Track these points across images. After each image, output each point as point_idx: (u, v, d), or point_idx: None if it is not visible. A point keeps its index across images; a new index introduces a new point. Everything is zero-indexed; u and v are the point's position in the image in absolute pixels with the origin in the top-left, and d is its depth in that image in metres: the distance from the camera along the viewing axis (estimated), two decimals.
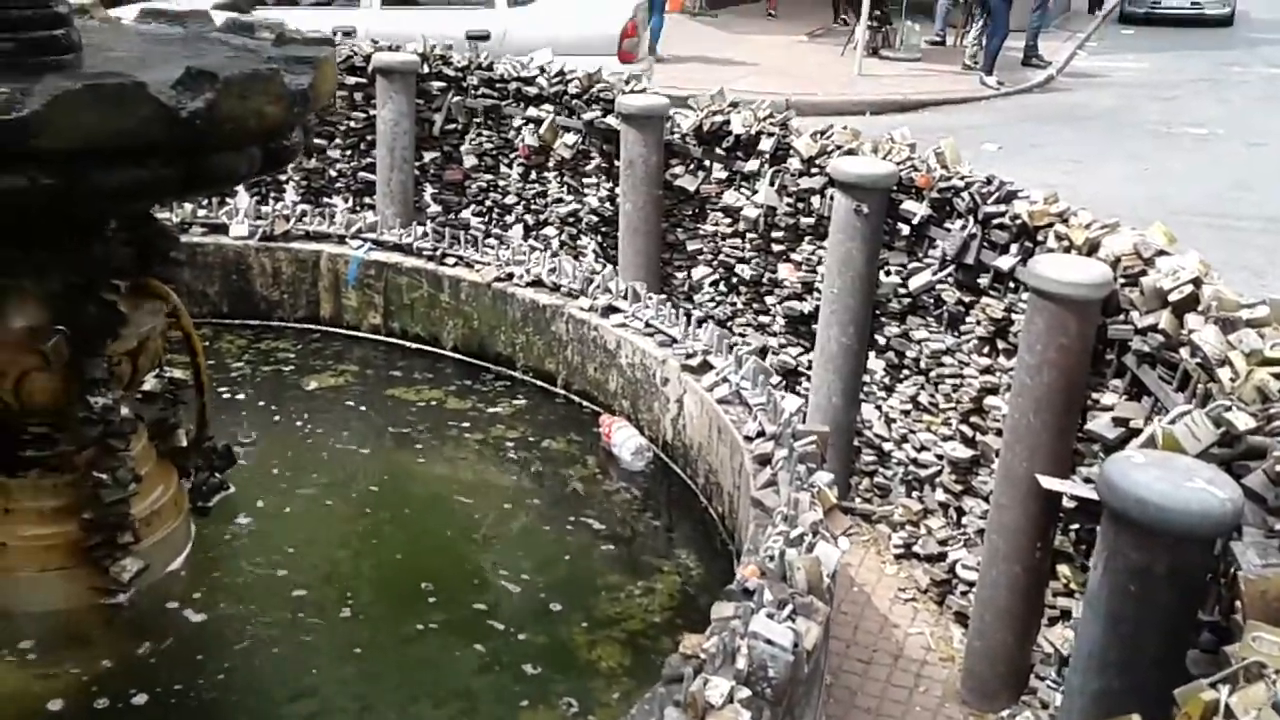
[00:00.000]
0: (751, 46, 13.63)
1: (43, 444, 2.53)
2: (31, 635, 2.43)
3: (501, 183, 4.94)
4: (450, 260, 4.12)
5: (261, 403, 3.76)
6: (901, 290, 3.45)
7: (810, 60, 13.18)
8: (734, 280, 4.16)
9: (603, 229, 4.59)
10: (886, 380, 3.61)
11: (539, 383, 3.91)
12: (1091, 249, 2.77)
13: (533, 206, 4.83)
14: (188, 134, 2.11)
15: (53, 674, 2.34)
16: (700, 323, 3.46)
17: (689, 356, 3.30)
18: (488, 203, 5.00)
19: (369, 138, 5.12)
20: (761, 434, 2.83)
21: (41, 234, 2.40)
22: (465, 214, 5.04)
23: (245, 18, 2.97)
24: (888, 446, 3.61)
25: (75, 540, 2.49)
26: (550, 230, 4.77)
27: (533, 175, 4.81)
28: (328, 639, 2.59)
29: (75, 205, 2.13)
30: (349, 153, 5.24)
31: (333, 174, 5.29)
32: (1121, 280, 2.65)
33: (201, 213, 4.31)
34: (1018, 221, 3.04)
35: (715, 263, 4.23)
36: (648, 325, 3.55)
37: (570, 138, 4.63)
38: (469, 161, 4.98)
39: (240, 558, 2.85)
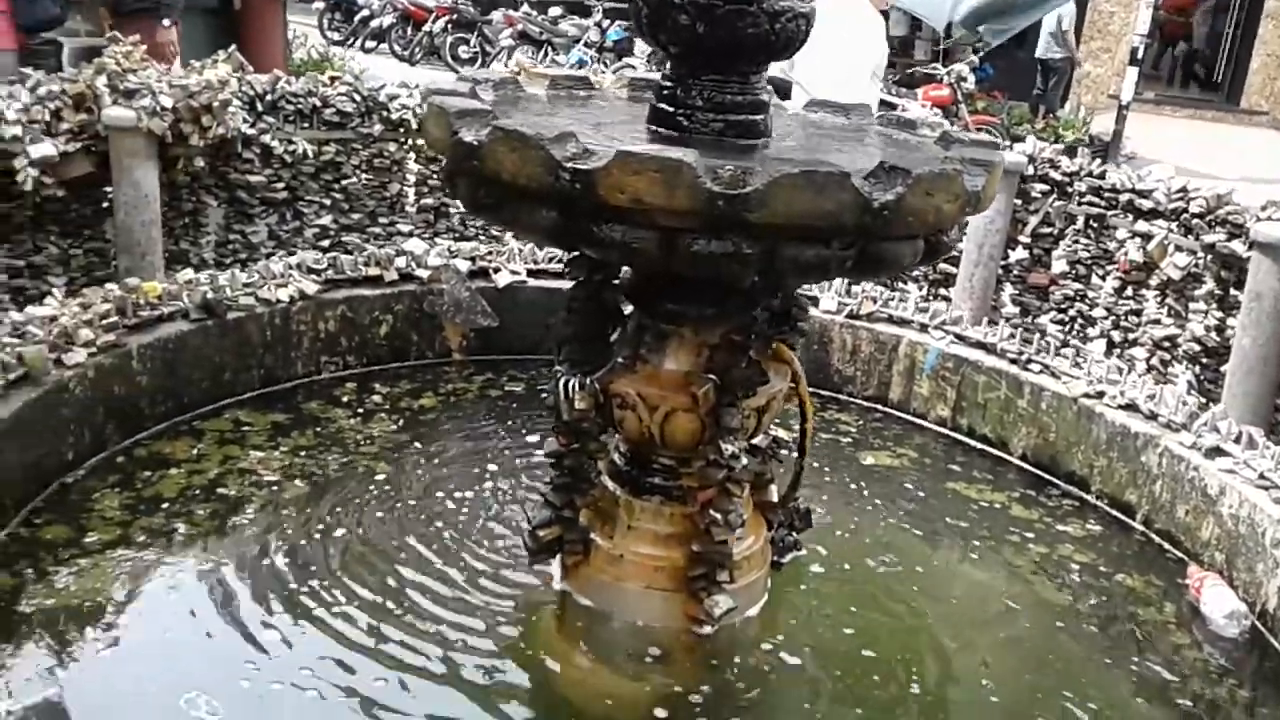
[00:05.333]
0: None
1: (668, 475, 2.80)
2: (633, 645, 2.68)
3: (1091, 294, 4.74)
4: (1034, 367, 4.01)
5: (817, 466, 3.91)
6: None
7: None
8: None
9: (1203, 360, 4.24)
10: None
11: (1114, 512, 3.67)
12: None
13: (1122, 324, 4.58)
14: (874, 222, 2.24)
15: (654, 684, 2.57)
16: None
17: None
18: (1071, 312, 4.83)
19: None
20: None
21: (710, 292, 2.67)
22: (1043, 320, 4.91)
23: (907, 115, 3.11)
24: None
25: (680, 568, 2.72)
26: (1139, 352, 4.49)
27: (1128, 291, 4.57)
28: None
29: (770, 275, 2.34)
30: None
31: None
32: None
33: None
34: None
35: None
36: (1262, 477, 3.19)
37: (1182, 258, 4.33)
38: (1058, 267, 4.84)
39: (810, 613, 2.97)
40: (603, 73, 10.72)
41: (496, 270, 4.39)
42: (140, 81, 4.21)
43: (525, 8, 19.80)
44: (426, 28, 18.55)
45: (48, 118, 4.07)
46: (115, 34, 4.67)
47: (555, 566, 2.82)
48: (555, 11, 19.82)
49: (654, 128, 2.66)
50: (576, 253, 2.67)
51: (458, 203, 5.29)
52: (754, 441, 3.07)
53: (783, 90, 6.49)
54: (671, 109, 2.62)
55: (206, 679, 2.41)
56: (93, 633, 2.53)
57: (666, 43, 2.61)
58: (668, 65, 2.68)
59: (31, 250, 4.20)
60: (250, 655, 2.53)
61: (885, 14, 17.68)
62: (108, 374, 3.26)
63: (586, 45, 17.98)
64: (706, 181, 2.13)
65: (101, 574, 2.74)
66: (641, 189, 2.15)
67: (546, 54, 17.89)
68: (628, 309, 2.83)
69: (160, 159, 4.27)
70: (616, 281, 2.79)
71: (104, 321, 3.29)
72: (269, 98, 4.82)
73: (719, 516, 2.66)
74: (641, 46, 16.73)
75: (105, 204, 4.33)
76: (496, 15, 19.69)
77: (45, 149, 3.98)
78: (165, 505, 3.09)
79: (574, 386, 2.68)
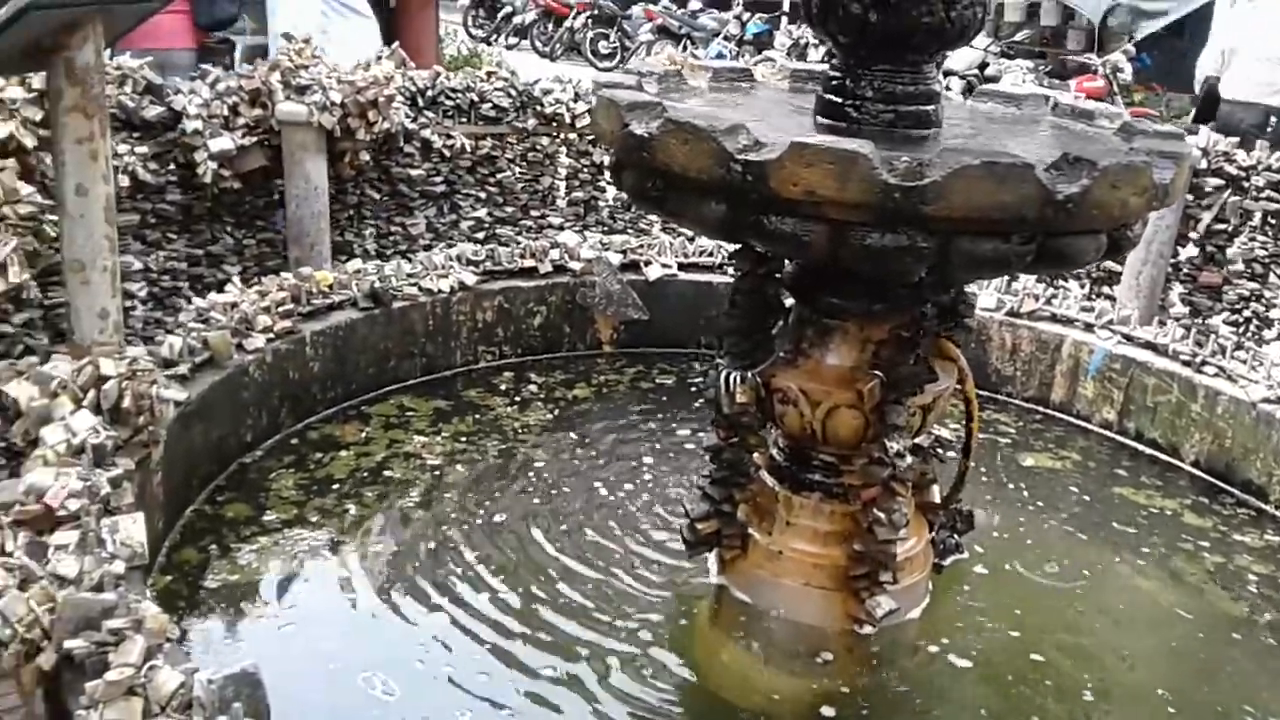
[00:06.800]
0: None
1: (829, 472, 2.76)
2: (791, 642, 2.66)
3: (1268, 294, 4.49)
4: (1209, 369, 3.82)
5: (975, 467, 3.80)
6: None
7: None
8: None
9: None
10: None
11: None
12: None
13: None
14: (1056, 215, 2.16)
15: (817, 683, 2.55)
16: None
17: None
18: (1245, 313, 4.58)
19: None
20: None
21: (876, 286, 2.62)
22: (1215, 320, 4.66)
23: (1084, 104, 3.00)
24: None
25: (841, 566, 2.68)
26: None
27: None
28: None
29: (942, 270, 2.28)
30: None
31: None
32: None
33: None
34: None
35: None
36: None
37: None
38: (1233, 266, 4.60)
39: (974, 617, 2.90)
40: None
41: (647, 263, 4.42)
42: (311, 78, 4.37)
43: (665, 2, 19.86)
44: (567, 23, 18.79)
45: (226, 113, 4.26)
46: (288, 31, 4.86)
47: (712, 560, 2.82)
48: (694, 5, 19.82)
49: (821, 119, 2.62)
50: (741, 245, 2.66)
51: (608, 196, 5.37)
52: (917, 440, 3.01)
53: None
54: (840, 100, 2.58)
55: (381, 658, 2.50)
56: (273, 608, 2.66)
57: (836, 32, 2.57)
58: (836, 56, 2.64)
59: (209, 240, 4.41)
60: (420, 636, 2.61)
61: (1036, 2, 17.14)
62: (284, 359, 3.41)
63: (726, 39, 17.94)
64: (882, 173, 2.09)
65: (280, 552, 2.87)
66: (814, 181, 2.12)
67: (685, 48, 17.90)
68: (789, 302, 2.81)
69: (328, 153, 4.43)
70: (780, 275, 2.76)
71: (280, 309, 3.43)
72: (429, 93, 4.94)
73: (882, 516, 2.61)
74: (781, 39, 16.58)
75: (277, 196, 4.51)
76: (636, 10, 19.80)
77: (224, 143, 4.18)
78: (336, 486, 3.21)
79: (735, 380, 2.67)
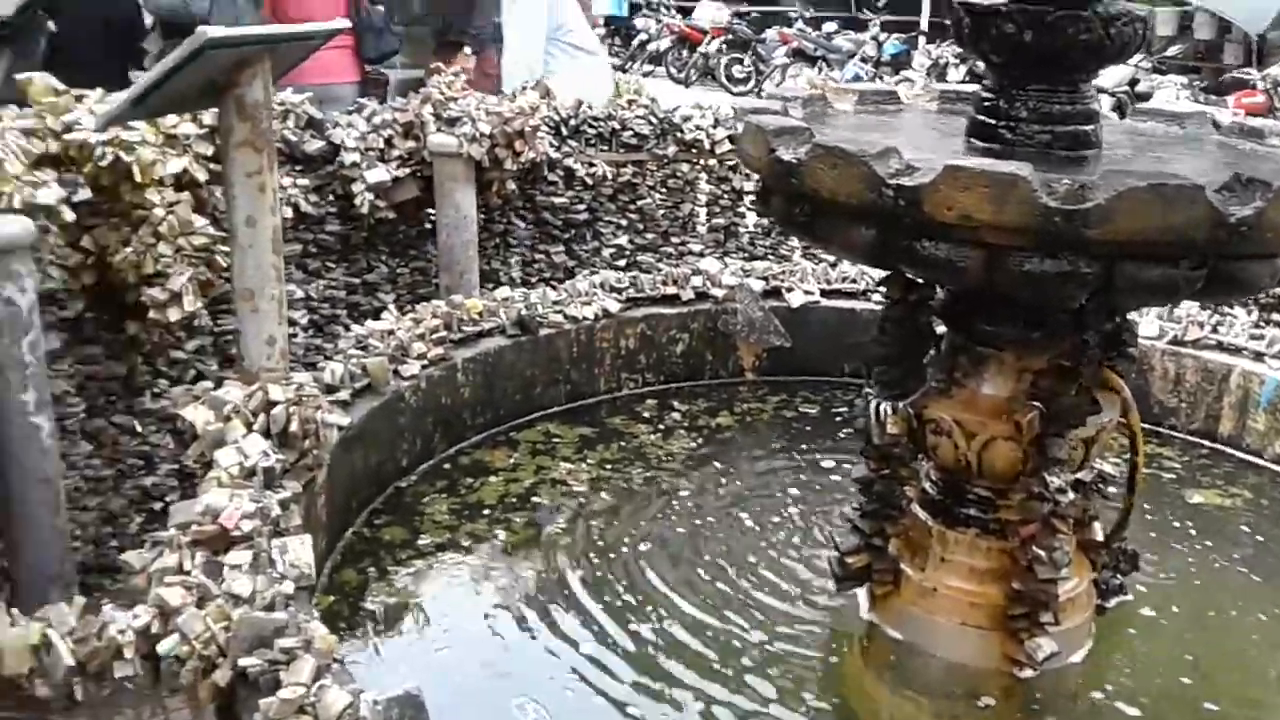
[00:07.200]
0: None
1: (985, 506, 2.68)
2: (946, 683, 2.59)
3: None
4: None
5: (1140, 504, 3.64)
6: None
7: None
8: None
9: None
10: None
11: None
12: None
13: None
14: (1228, 239, 2.06)
15: None
16: None
17: None
18: None
19: None
20: None
21: (1033, 314, 2.54)
22: None
23: (1253, 122, 2.86)
24: None
25: (999, 605, 2.59)
26: None
27: None
28: None
29: (1106, 297, 2.20)
30: None
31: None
32: None
33: None
34: None
35: None
36: None
37: None
38: None
39: (1141, 661, 2.77)
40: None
41: (789, 290, 4.38)
42: (461, 109, 4.51)
43: (799, 25, 19.79)
44: (701, 49, 18.93)
45: (381, 145, 4.43)
46: (439, 64, 5.02)
47: (862, 595, 2.76)
48: (830, 27, 19.70)
49: (974, 141, 2.58)
50: (891, 271, 2.61)
51: (748, 222, 5.36)
52: (1079, 475, 2.90)
53: None
54: (994, 121, 2.53)
55: (533, 685, 2.53)
56: (429, 631, 2.72)
57: (989, 52, 2.53)
58: (988, 76, 2.59)
59: (365, 268, 4.58)
60: (570, 663, 2.63)
61: (1189, 14, 16.44)
62: (436, 385, 3.50)
63: (862, 60, 17.77)
64: (1042, 196, 2.03)
65: (434, 575, 2.95)
66: (970, 205, 2.08)
67: (821, 70, 17.81)
68: (941, 329, 2.75)
69: (477, 182, 4.55)
70: (931, 301, 2.71)
71: (434, 336, 3.53)
72: (572, 122, 5.03)
73: (1042, 554, 2.52)
74: (920, 59, 16.33)
75: (429, 225, 4.66)
76: (770, 34, 19.80)
77: (379, 174, 4.34)
78: (487, 511, 3.28)
79: (885, 410, 2.62)
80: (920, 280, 2.57)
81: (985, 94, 2.55)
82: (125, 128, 3.23)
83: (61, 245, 3.21)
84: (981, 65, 2.69)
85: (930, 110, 3.18)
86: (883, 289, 2.68)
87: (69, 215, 3.13)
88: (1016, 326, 2.57)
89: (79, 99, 3.38)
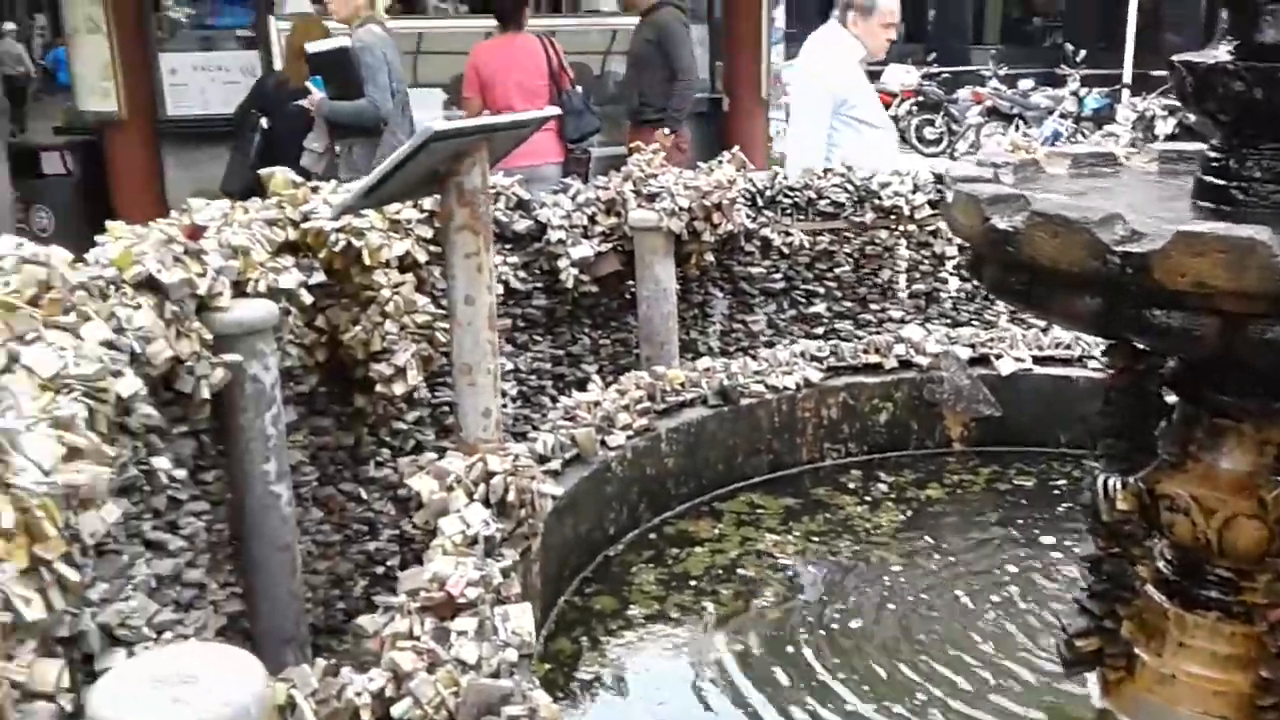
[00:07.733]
0: None
1: (1227, 588, 2.51)
2: None
3: None
4: None
5: None
6: None
7: None
8: None
9: None
10: None
11: None
12: None
13: None
14: None
15: None
16: None
17: None
18: None
19: None
20: None
21: (1275, 383, 2.39)
22: None
23: None
24: None
25: (1246, 694, 2.42)
26: None
27: None
28: None
29: None
30: None
31: None
32: None
33: None
34: None
35: None
36: None
37: None
38: None
39: None
40: (1082, 144, 10.19)
41: (999, 357, 4.25)
42: (660, 185, 4.62)
43: (994, 83, 19.37)
44: (891, 111, 18.72)
45: (585, 222, 4.59)
46: (638, 142, 5.18)
47: (1093, 682, 2.62)
48: (1026, 84, 19.20)
49: (1201, 203, 2.46)
50: (1116, 340, 2.51)
51: (950, 288, 5.24)
52: None
53: None
54: (1223, 182, 2.41)
55: None
56: (641, 705, 2.74)
57: (1216, 111, 2.42)
58: (1216, 135, 2.48)
59: (570, 340, 4.73)
60: None
61: None
62: (641, 455, 3.56)
63: (1061, 116, 17.21)
64: None
65: (645, 647, 2.97)
66: (1205, 271, 1.99)
67: (1017, 128, 17.35)
68: (1171, 399, 2.61)
69: (675, 255, 4.64)
70: (1160, 371, 2.58)
71: (638, 406, 3.60)
72: (768, 192, 5.07)
73: None
74: (1124, 113, 15.67)
75: (629, 297, 4.77)
76: (962, 93, 19.46)
77: (583, 250, 4.49)
78: (693, 582, 3.29)
79: (1115, 486, 2.50)
80: (1147, 349, 2.46)
81: (1213, 154, 2.44)
82: (356, 215, 3.46)
83: (299, 325, 3.45)
84: (1193, 117, 2.58)
85: (1150, 171, 3.05)
86: (1105, 358, 2.58)
87: (307, 298, 3.37)
88: (1257, 396, 2.42)
89: (314, 190, 3.66)
